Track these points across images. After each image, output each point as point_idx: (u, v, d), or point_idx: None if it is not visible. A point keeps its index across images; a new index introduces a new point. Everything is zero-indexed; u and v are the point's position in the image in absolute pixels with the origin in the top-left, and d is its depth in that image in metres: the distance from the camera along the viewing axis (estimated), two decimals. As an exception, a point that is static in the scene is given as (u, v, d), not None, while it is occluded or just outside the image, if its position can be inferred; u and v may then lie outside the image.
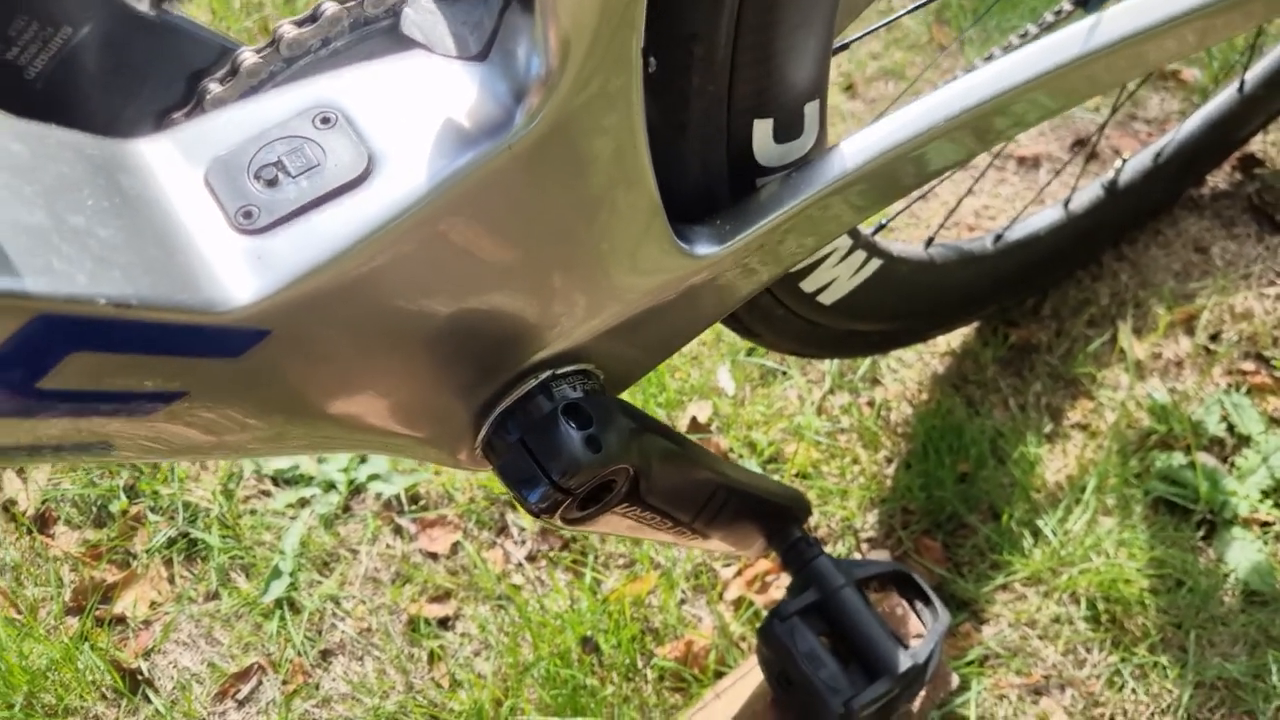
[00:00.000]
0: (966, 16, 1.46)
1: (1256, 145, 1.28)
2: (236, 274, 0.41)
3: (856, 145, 0.62)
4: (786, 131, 0.59)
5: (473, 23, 0.43)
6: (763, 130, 0.58)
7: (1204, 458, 1.05)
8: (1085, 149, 1.25)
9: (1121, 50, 0.67)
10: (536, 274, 0.51)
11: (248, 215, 0.42)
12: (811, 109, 0.60)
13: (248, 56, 0.49)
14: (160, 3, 0.32)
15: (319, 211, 0.43)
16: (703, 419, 1.10)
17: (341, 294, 0.44)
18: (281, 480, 1.09)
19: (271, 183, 0.43)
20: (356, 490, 1.08)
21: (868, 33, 0.73)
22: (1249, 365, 1.12)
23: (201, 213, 0.42)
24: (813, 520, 1.04)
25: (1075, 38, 0.64)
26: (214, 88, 0.49)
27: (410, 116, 0.45)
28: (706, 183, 0.59)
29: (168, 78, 0.49)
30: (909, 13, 0.72)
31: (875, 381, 1.13)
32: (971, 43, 1.42)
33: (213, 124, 0.45)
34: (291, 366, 0.45)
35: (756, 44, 0.52)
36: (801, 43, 0.55)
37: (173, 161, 0.44)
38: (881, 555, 1.01)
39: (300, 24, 0.50)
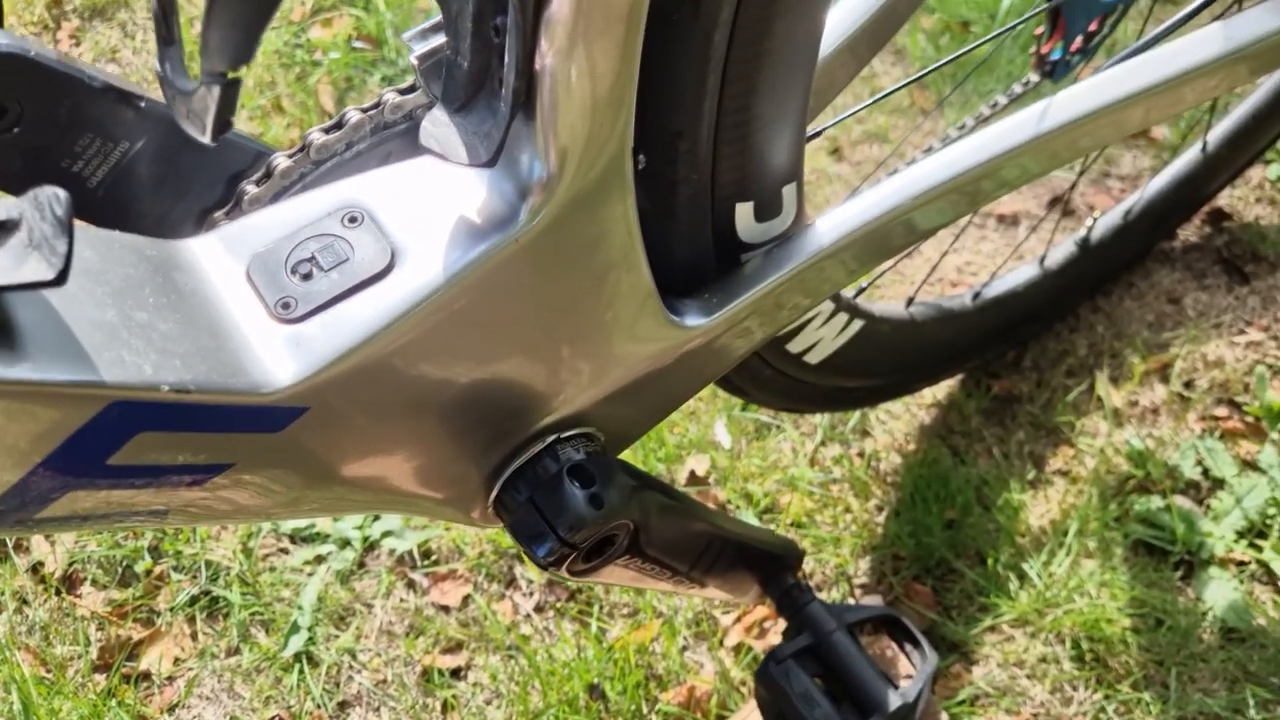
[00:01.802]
0: (946, 81, 1.53)
1: (1224, 199, 1.34)
2: (278, 359, 0.47)
3: (833, 221, 0.68)
4: (766, 211, 0.65)
5: (483, 133, 0.49)
6: (744, 211, 0.64)
7: (1180, 501, 1.10)
8: (1060, 205, 1.31)
9: (1091, 122, 0.73)
10: (542, 349, 0.56)
11: (286, 306, 0.48)
12: (789, 190, 0.66)
13: (281, 161, 0.55)
14: (220, 134, 0.38)
15: (349, 301, 0.48)
16: (701, 472, 1.15)
17: (370, 373, 0.49)
18: (299, 538, 1.14)
19: (306, 276, 0.49)
20: (371, 546, 1.13)
21: (840, 120, 0.79)
22: (1222, 411, 1.17)
23: (246, 305, 0.48)
24: (808, 567, 1.09)
25: (1030, 121, 0.70)
26: (251, 189, 0.55)
27: (428, 215, 0.50)
28: (694, 260, 0.64)
29: (210, 180, 0.55)
30: (886, 95, 0.78)
31: (865, 433, 1.18)
32: (951, 105, 1.49)
33: (252, 223, 0.51)
34: (326, 438, 0.50)
35: (736, 138, 0.58)
36: (777, 134, 0.61)
37: (219, 258, 0.49)
38: (874, 600, 1.06)
39: (327, 131, 0.56)
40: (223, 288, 0.48)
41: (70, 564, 1.13)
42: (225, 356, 0.45)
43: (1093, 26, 1.01)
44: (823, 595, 1.07)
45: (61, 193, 0.38)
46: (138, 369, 0.41)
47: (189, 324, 0.45)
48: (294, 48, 1.58)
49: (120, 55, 1.58)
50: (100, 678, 1.06)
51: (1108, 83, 0.73)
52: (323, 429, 0.50)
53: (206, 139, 0.37)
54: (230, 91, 0.37)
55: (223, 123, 0.37)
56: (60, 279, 0.37)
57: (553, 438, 0.62)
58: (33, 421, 0.39)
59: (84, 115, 0.48)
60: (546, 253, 0.52)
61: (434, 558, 1.12)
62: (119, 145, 0.50)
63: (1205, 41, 0.73)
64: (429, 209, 0.51)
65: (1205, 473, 1.12)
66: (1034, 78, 1.03)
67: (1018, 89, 1.03)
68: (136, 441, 0.43)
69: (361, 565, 1.12)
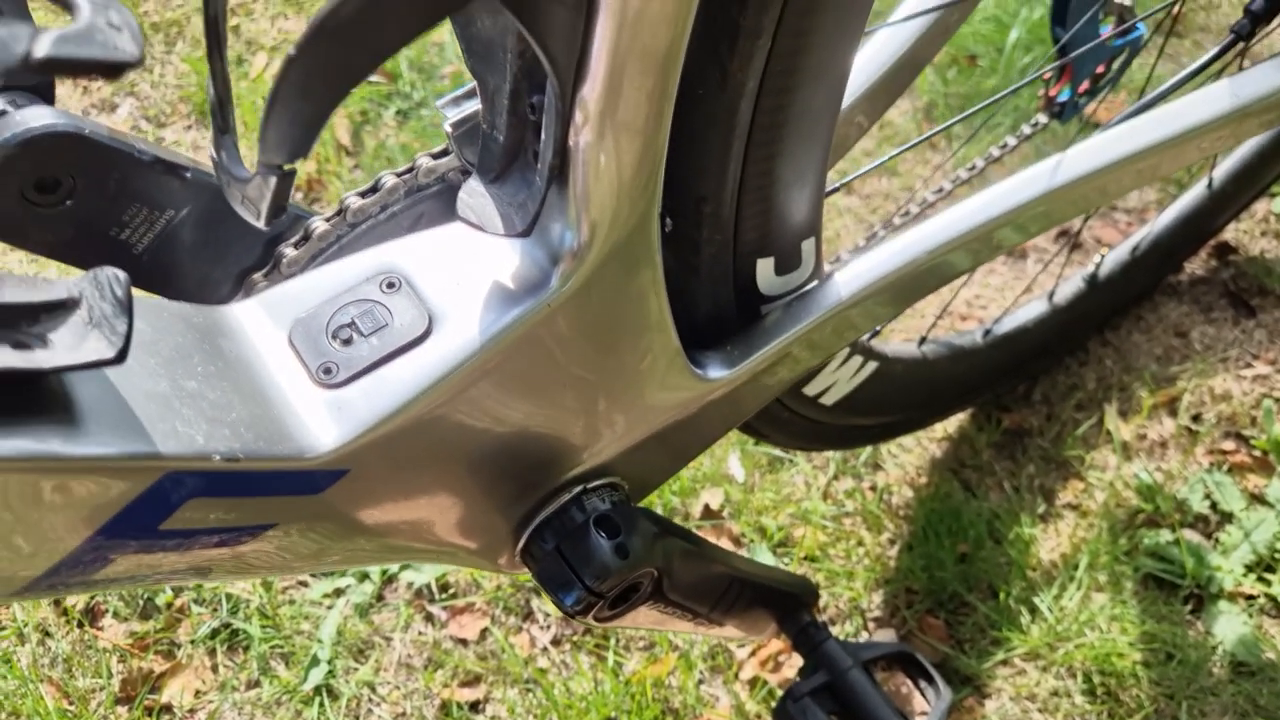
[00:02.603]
0: (954, 114, 1.55)
1: (1230, 234, 1.35)
2: (320, 424, 0.48)
3: (851, 273, 0.70)
4: (786, 265, 0.67)
5: (517, 204, 0.50)
6: (765, 266, 0.66)
7: (1189, 534, 1.11)
8: (1069, 240, 1.33)
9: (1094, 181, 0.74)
10: (571, 406, 0.58)
11: (327, 371, 0.50)
12: (808, 245, 0.68)
13: (318, 225, 0.57)
14: (274, 219, 0.39)
15: (388, 366, 0.50)
16: (715, 505, 1.17)
17: (409, 434, 0.51)
18: (322, 572, 1.15)
19: (347, 342, 0.50)
20: (389, 580, 1.14)
21: (856, 177, 0.81)
22: (1229, 445, 1.18)
23: (289, 370, 0.50)
24: (822, 601, 1.10)
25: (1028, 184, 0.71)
26: (289, 251, 0.57)
27: (463, 281, 0.52)
28: (717, 314, 0.66)
29: (249, 244, 0.57)
30: (903, 151, 0.80)
31: (877, 467, 1.19)
32: (959, 139, 1.51)
33: (294, 289, 0.53)
34: (364, 497, 0.52)
35: (758, 199, 0.60)
36: (798, 193, 0.63)
37: (262, 324, 0.51)
38: (887, 634, 1.07)
39: (363, 195, 0.58)
40: (266, 353, 0.50)
41: (92, 597, 1.15)
42: (271, 423, 0.47)
43: (1100, 69, 1.03)
44: (837, 628, 1.09)
45: (121, 274, 0.40)
46: (190, 440, 0.43)
47: (236, 391, 0.47)
48: (310, 81, 1.60)
49: (139, 89, 1.61)
50: (123, 710, 1.08)
51: (1123, 136, 0.75)
52: (361, 488, 0.51)
53: (261, 225, 0.39)
54: (285, 182, 0.38)
55: (277, 210, 0.39)
56: (120, 358, 0.39)
57: (579, 488, 0.63)
58: (91, 495, 0.41)
59: (132, 186, 0.50)
60: (577, 316, 0.53)
61: (451, 591, 1.13)
62: (165, 213, 0.52)
63: (1219, 97, 0.75)
64: (464, 275, 0.52)
65: (1214, 506, 1.13)
66: (1042, 119, 1.05)
67: (1026, 130, 1.05)
68: (188, 507, 0.45)
69: (380, 598, 1.13)
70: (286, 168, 0.38)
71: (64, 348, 0.39)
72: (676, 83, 0.48)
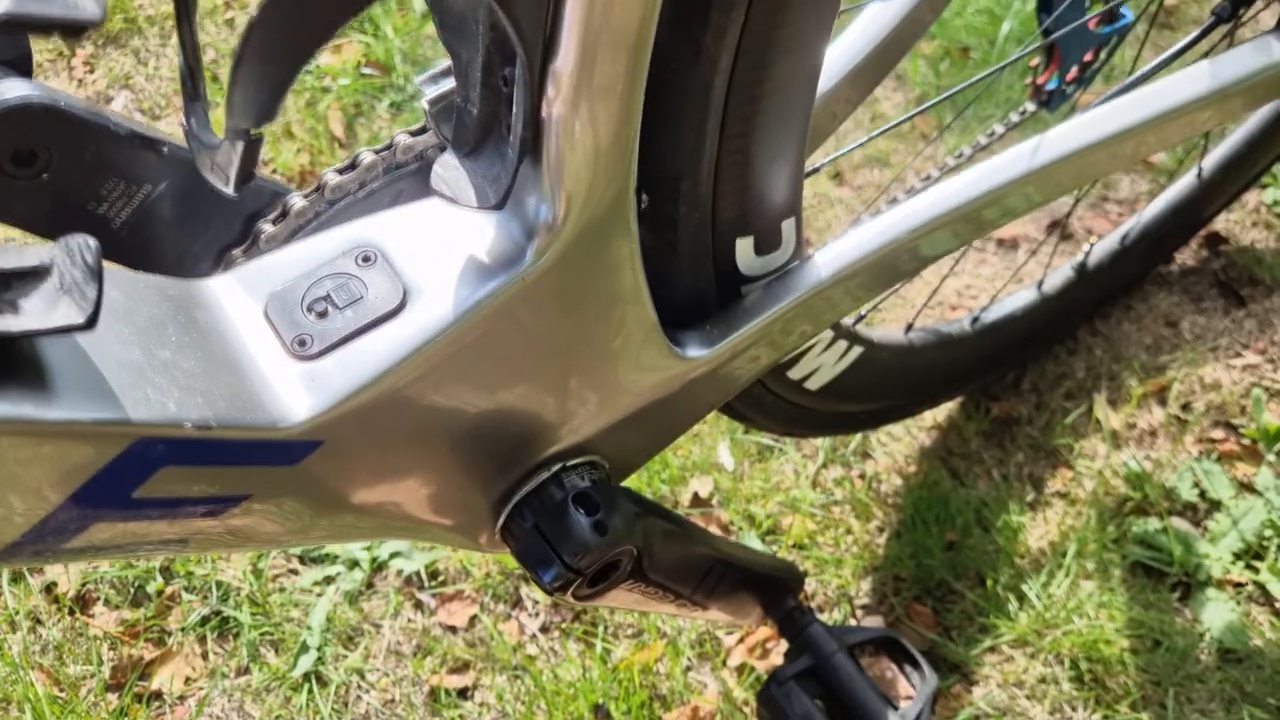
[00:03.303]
0: (946, 106, 1.55)
1: (1221, 223, 1.35)
2: (294, 395, 0.49)
3: (831, 254, 0.70)
4: (766, 245, 0.67)
5: (491, 177, 0.51)
6: (745, 246, 0.66)
7: (1178, 522, 1.11)
8: (1058, 230, 1.33)
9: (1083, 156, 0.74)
10: (549, 381, 0.58)
11: (302, 343, 0.50)
12: (788, 225, 0.68)
13: (296, 201, 0.57)
14: (242, 186, 0.40)
15: (363, 338, 0.50)
16: (704, 494, 1.17)
17: (382, 407, 0.51)
18: (308, 559, 1.16)
19: (322, 314, 0.51)
20: (379, 567, 1.14)
21: (839, 155, 0.81)
22: (1219, 433, 1.18)
23: (264, 342, 0.50)
24: (810, 588, 1.10)
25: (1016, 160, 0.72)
26: (267, 228, 0.57)
27: (438, 255, 0.52)
28: (696, 293, 0.66)
29: (228, 219, 0.57)
30: (886, 130, 0.80)
31: (866, 455, 1.19)
32: (952, 131, 1.51)
33: (270, 263, 0.53)
34: (339, 469, 0.52)
35: (735, 177, 0.60)
36: (776, 172, 0.63)
37: (238, 297, 0.51)
38: (875, 621, 1.07)
39: (341, 172, 0.58)
40: (242, 325, 0.50)
41: (83, 584, 1.15)
42: (244, 393, 0.47)
43: (1088, 57, 1.04)
44: (825, 616, 1.09)
45: (91, 240, 0.40)
46: (162, 407, 0.43)
47: (210, 361, 0.47)
48: (304, 74, 1.61)
49: (134, 82, 1.61)
50: (113, 697, 1.08)
51: (1103, 118, 0.75)
52: (336, 461, 0.52)
53: (230, 191, 0.39)
54: (253, 147, 0.39)
55: (245, 175, 0.39)
56: (90, 323, 0.39)
57: (558, 466, 0.63)
58: (63, 458, 0.41)
59: (109, 160, 0.51)
60: (552, 290, 0.54)
61: (441, 578, 1.13)
62: (142, 188, 0.52)
63: (1198, 78, 0.75)
64: (439, 249, 0.53)
65: (1202, 494, 1.13)
66: (1030, 107, 1.05)
67: (1015, 118, 1.05)
68: (160, 475, 0.45)
69: (370, 586, 1.13)
70: (254, 133, 0.38)
71: (34, 313, 0.39)
72: (649, 56, 0.48)
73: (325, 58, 1.64)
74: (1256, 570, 1.08)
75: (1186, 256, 1.34)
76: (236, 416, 0.46)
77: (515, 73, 0.47)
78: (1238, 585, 1.08)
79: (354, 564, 1.14)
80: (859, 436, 1.20)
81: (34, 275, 0.41)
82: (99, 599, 1.15)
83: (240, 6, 1.72)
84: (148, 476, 0.44)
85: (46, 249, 0.41)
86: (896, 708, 0.87)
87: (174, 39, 1.67)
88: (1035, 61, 1.02)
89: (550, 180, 0.49)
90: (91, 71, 1.63)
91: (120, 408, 0.42)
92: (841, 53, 0.80)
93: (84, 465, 0.42)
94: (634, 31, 0.46)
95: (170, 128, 1.58)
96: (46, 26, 0.30)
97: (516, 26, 0.42)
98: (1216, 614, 1.05)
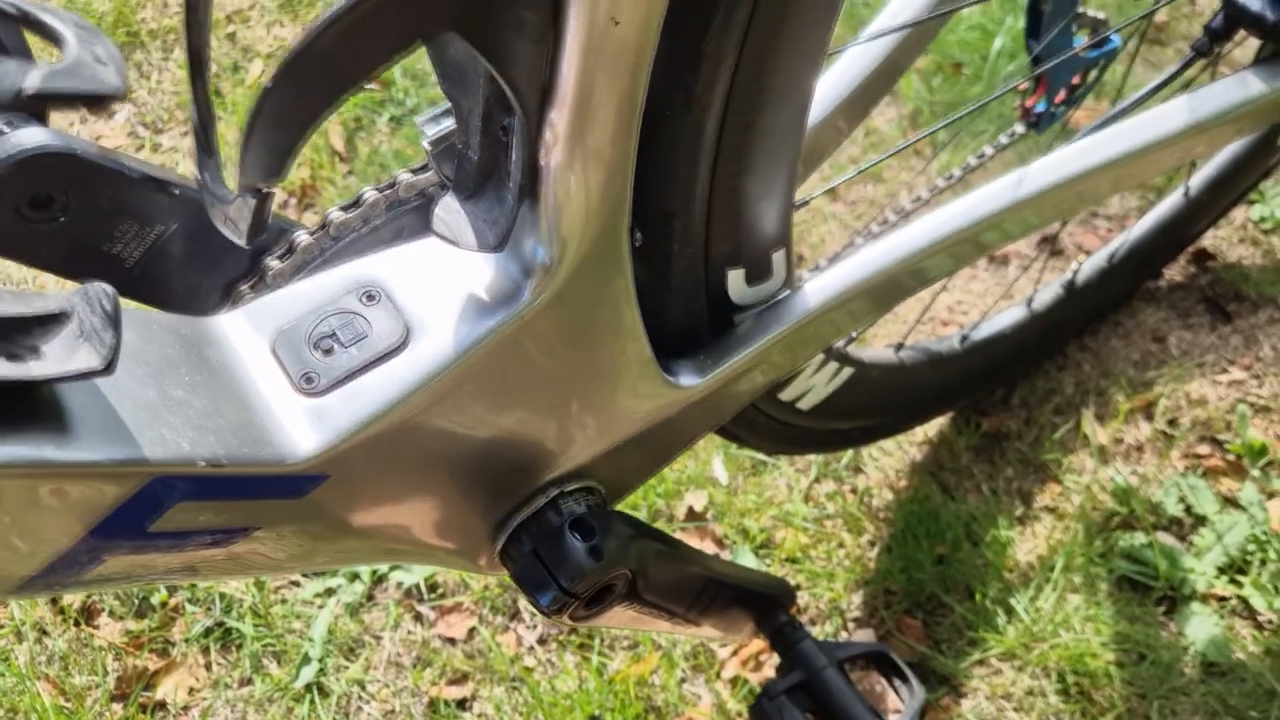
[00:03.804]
0: (938, 121, 1.57)
1: (1208, 240, 1.38)
2: (301, 431, 0.51)
3: (822, 283, 0.72)
4: (757, 276, 0.69)
5: (491, 220, 0.53)
6: (736, 277, 0.68)
7: (1163, 537, 1.13)
8: (1049, 246, 1.35)
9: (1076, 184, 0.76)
10: (546, 413, 0.60)
11: (309, 380, 0.52)
12: (779, 255, 0.70)
13: (303, 238, 0.59)
14: (254, 239, 0.42)
15: (367, 375, 0.52)
16: (699, 507, 1.19)
17: (386, 441, 0.53)
18: (309, 572, 1.18)
19: (328, 351, 0.53)
20: (379, 580, 1.16)
21: (833, 186, 0.83)
22: (1204, 449, 1.20)
23: (272, 379, 0.52)
24: (802, 601, 1.12)
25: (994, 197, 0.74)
26: (274, 264, 0.59)
27: (440, 293, 0.54)
28: (689, 323, 0.68)
29: (236, 257, 0.59)
30: (878, 162, 0.82)
31: (858, 470, 1.21)
32: (944, 147, 1.53)
33: (277, 300, 0.55)
34: (345, 500, 0.54)
35: (726, 215, 0.62)
36: (766, 207, 0.65)
37: (246, 334, 0.53)
38: (866, 634, 1.09)
39: (346, 209, 0.60)
40: (250, 362, 0.52)
41: (88, 596, 1.17)
42: (254, 429, 0.49)
43: (1075, 80, 1.06)
44: (817, 629, 1.11)
45: (109, 289, 0.42)
46: (177, 446, 0.45)
47: (221, 399, 0.49)
48: (305, 88, 1.63)
49: (136, 96, 1.63)
50: (118, 707, 1.10)
51: (1090, 149, 0.77)
52: (341, 492, 0.54)
53: (242, 243, 0.41)
54: (265, 203, 0.41)
55: (258, 229, 0.41)
56: (108, 369, 0.41)
57: (555, 492, 0.65)
58: (83, 497, 0.43)
59: (123, 203, 0.52)
60: (550, 327, 0.56)
61: (440, 591, 1.15)
62: (154, 228, 0.54)
63: (1178, 112, 0.77)
64: (441, 288, 0.55)
65: (1188, 509, 1.15)
66: (1020, 129, 1.07)
67: (1004, 140, 1.07)
68: (175, 510, 0.47)
69: (370, 598, 1.15)
70: (265, 189, 0.40)
71: (55, 359, 0.41)
72: (642, 107, 0.50)
73: (326, 72, 1.65)
74: (1240, 585, 1.10)
75: (1174, 273, 1.36)
76: (247, 453, 0.48)
77: (514, 123, 0.49)
78: (1222, 599, 1.10)
79: (355, 577, 1.16)
80: (851, 452, 1.22)
81: (54, 321, 0.43)
82: (104, 610, 1.17)
83: (241, 20, 1.74)
84: (162, 512, 0.46)
85: (66, 296, 0.43)
86: (885, 721, 0.89)
87: (176, 53, 1.69)
88: (1024, 85, 1.04)
89: (547, 224, 0.51)
90: (95, 85, 1.65)
91: (137, 448, 0.44)
92: (834, 84, 0.82)
93: (103, 503, 0.44)
94: (627, 84, 0.48)
95: (172, 141, 1.60)
96: (72, 100, 0.32)
97: (512, 84, 0.44)
98: (1201, 628, 1.07)
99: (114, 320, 0.42)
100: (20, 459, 0.41)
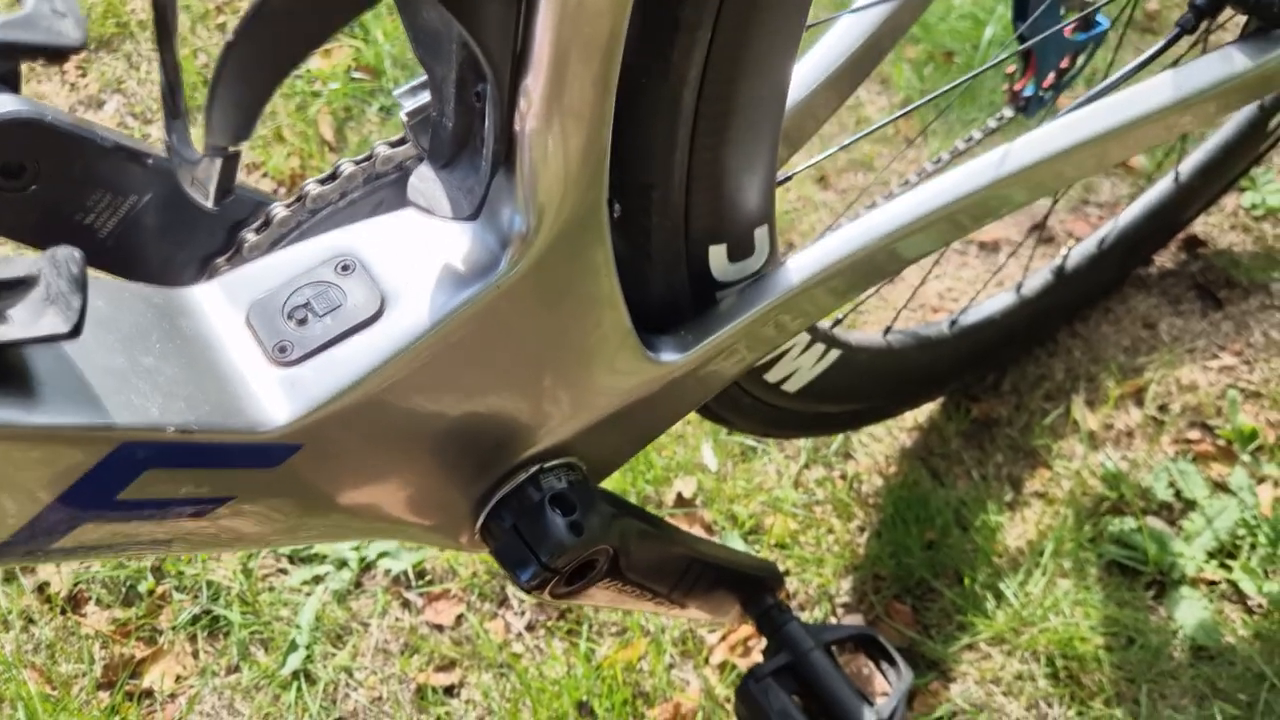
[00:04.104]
0: (929, 109, 1.57)
1: (1199, 226, 1.37)
2: (275, 400, 0.50)
3: (805, 259, 0.72)
4: (739, 252, 0.69)
5: (466, 188, 0.52)
6: (718, 253, 0.68)
7: (1153, 522, 1.13)
8: (1039, 232, 1.35)
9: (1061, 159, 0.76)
10: (526, 386, 0.60)
11: (283, 350, 0.51)
12: (761, 232, 0.69)
13: (279, 211, 0.59)
14: (221, 200, 0.41)
15: (342, 345, 0.52)
16: (688, 494, 1.19)
17: (361, 411, 0.53)
18: (297, 559, 1.17)
19: (302, 322, 0.52)
20: (367, 567, 1.16)
21: (815, 162, 0.83)
22: (1194, 434, 1.20)
23: (245, 349, 0.51)
24: (791, 587, 1.12)
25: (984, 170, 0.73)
26: (250, 237, 0.59)
27: (415, 263, 0.54)
28: (671, 298, 0.68)
29: (211, 229, 0.59)
30: (859, 139, 0.82)
31: (848, 456, 1.21)
32: (935, 134, 1.53)
33: (252, 271, 0.54)
34: (320, 472, 0.54)
35: (707, 186, 0.62)
36: (747, 181, 0.65)
37: (220, 305, 0.53)
38: (855, 619, 1.09)
39: (323, 182, 0.60)
40: (224, 333, 0.52)
41: (75, 584, 1.17)
42: (226, 398, 0.49)
43: (1064, 64, 1.05)
44: (806, 614, 1.11)
45: (77, 252, 0.42)
46: (145, 411, 0.45)
47: (192, 367, 0.49)
48: (294, 78, 1.62)
49: (126, 86, 1.62)
50: (104, 695, 1.09)
51: (1073, 125, 0.77)
52: (316, 464, 0.53)
53: (209, 205, 0.41)
54: (231, 163, 0.40)
55: (224, 190, 0.41)
56: (75, 332, 0.41)
57: (536, 467, 0.65)
58: (50, 462, 0.43)
59: (95, 172, 0.52)
60: (527, 297, 0.55)
61: (428, 578, 1.15)
62: (128, 199, 0.54)
63: (1164, 87, 0.77)
64: (416, 258, 0.54)
65: (1178, 494, 1.15)
66: (1008, 113, 1.07)
67: (992, 124, 1.07)
68: (144, 478, 0.46)
69: (358, 585, 1.15)
70: (232, 150, 0.40)
71: (20, 323, 0.41)
72: (617, 72, 0.50)
73: (316, 62, 1.65)
74: (1230, 569, 1.10)
75: (1165, 259, 1.36)
76: (218, 421, 0.48)
77: (487, 90, 0.49)
78: (1211, 583, 1.10)
79: (342, 564, 1.16)
80: (840, 437, 1.21)
81: (21, 285, 0.42)
82: (90, 598, 1.16)
83: (232, 11, 1.73)
84: (133, 479, 0.46)
85: (33, 260, 0.43)
86: (873, 704, 0.88)
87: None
88: (1012, 68, 1.04)
89: (523, 192, 0.51)
90: (84, 76, 1.65)
91: (105, 413, 0.43)
92: (819, 58, 0.82)
93: (71, 468, 0.44)
94: (602, 49, 0.48)
95: (161, 132, 1.60)
96: (31, 52, 0.32)
97: (485, 49, 0.43)
98: (1190, 612, 1.07)
99: (81, 284, 0.42)
100: (-15, 422, 0.40)
